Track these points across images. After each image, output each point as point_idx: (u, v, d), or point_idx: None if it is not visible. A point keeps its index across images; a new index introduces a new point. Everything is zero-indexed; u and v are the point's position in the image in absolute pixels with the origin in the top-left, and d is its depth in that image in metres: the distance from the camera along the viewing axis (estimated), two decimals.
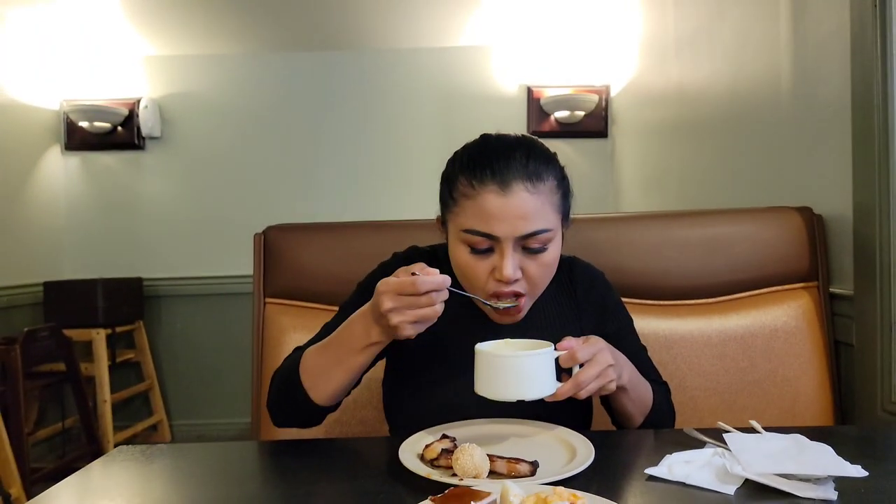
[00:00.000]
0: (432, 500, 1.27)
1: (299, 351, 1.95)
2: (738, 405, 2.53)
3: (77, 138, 5.52)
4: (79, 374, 4.90)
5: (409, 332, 1.61)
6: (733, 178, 3.61)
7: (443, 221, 1.93)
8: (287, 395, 1.83)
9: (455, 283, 1.94)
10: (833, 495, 1.36)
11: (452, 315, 1.96)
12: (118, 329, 5.23)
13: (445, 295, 1.61)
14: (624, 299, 2.18)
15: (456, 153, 1.87)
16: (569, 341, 1.68)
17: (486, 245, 1.75)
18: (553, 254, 1.81)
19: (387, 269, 2.07)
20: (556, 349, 1.67)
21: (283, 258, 2.77)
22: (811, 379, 2.57)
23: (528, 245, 1.75)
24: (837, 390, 2.59)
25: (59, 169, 5.59)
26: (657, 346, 2.58)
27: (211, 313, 5.59)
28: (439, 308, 1.60)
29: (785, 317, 2.63)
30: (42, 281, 5.11)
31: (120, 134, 5.48)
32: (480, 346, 1.70)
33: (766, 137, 3.23)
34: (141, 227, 5.60)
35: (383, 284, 1.62)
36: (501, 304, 1.78)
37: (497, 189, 1.71)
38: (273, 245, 2.78)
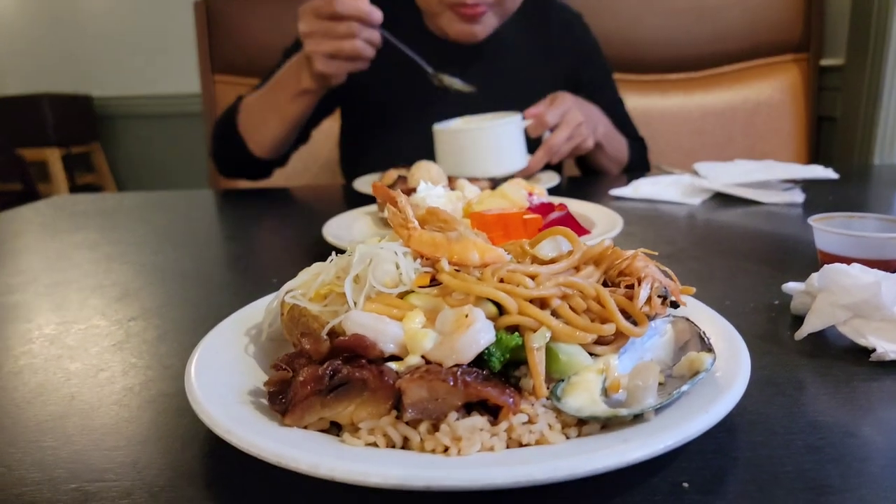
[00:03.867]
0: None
1: (240, 99, 1.76)
2: None
3: None
4: (37, 194, 4.73)
5: (324, 67, 1.41)
6: None
7: None
8: (225, 142, 1.71)
9: (413, 7, 1.76)
10: (800, 198, 1.30)
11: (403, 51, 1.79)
12: (74, 150, 4.98)
13: (373, 35, 1.40)
14: None
15: None
16: (534, 107, 1.53)
17: None
18: None
19: None
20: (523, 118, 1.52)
21: (229, 30, 2.51)
22: (789, 155, 2.49)
23: None
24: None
25: None
26: (635, 122, 2.45)
27: (171, 135, 5.32)
28: (362, 47, 1.38)
29: (770, 90, 2.49)
30: None
31: None
32: (439, 126, 1.54)
33: None
34: (84, 38, 5.14)
35: (304, 6, 1.43)
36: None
37: None
38: (217, 15, 2.51)
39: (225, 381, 0.54)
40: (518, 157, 1.53)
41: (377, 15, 1.39)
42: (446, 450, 0.42)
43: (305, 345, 0.51)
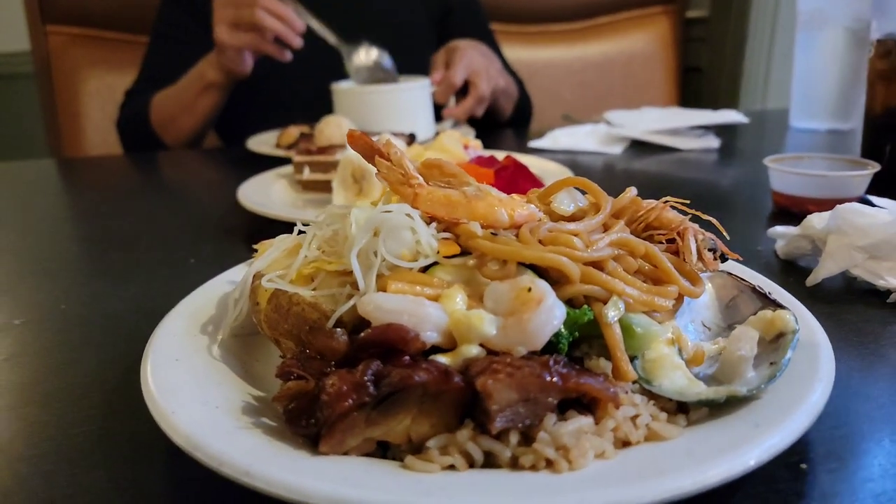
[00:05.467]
0: (298, 154, 1.03)
1: (135, 96, 1.67)
2: None
3: None
4: None
5: (227, 37, 1.36)
6: None
7: None
8: (138, 139, 1.62)
9: None
10: (715, 143, 1.33)
11: None
12: None
13: (274, 6, 1.31)
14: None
15: None
16: (435, 73, 1.46)
17: None
18: None
19: None
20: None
21: None
22: (662, 105, 2.60)
23: None
24: None
25: None
26: (520, 76, 2.43)
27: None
28: (261, 16, 1.29)
29: (643, 42, 2.56)
30: None
31: None
32: (343, 85, 1.42)
33: None
34: None
35: None
36: None
37: None
38: None
39: (202, 399, 0.40)
40: (429, 123, 1.45)
41: None
42: (548, 464, 0.34)
43: (318, 343, 0.39)
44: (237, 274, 0.59)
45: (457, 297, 0.41)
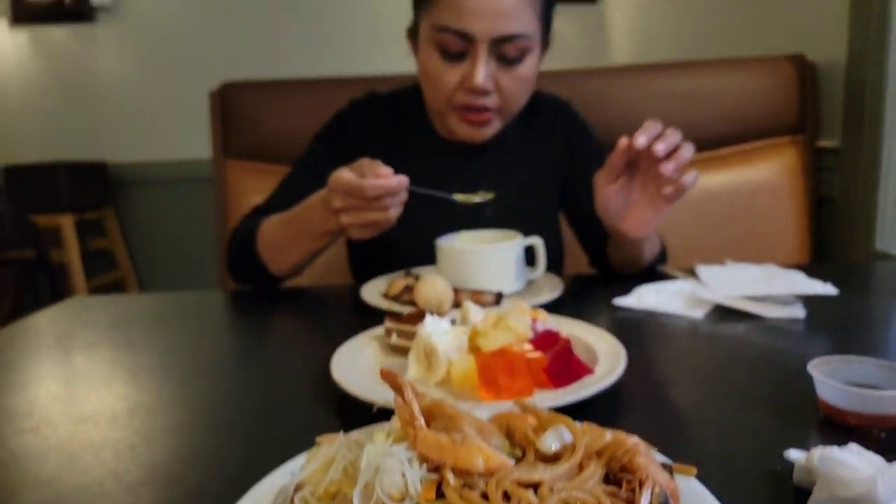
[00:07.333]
0: (389, 320, 1.21)
1: (258, 213, 1.82)
2: (717, 262, 2.49)
3: (23, 10, 5.12)
4: (50, 262, 4.80)
5: (359, 234, 1.48)
6: (727, 30, 3.39)
7: (414, 31, 1.75)
8: (244, 262, 1.73)
9: (421, 109, 1.87)
10: (801, 313, 1.31)
11: (418, 160, 1.84)
12: (87, 215, 5.07)
13: (403, 197, 1.45)
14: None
15: None
16: (621, 141, 1.37)
17: (460, 47, 1.60)
18: (530, 68, 1.67)
19: (344, 118, 1.94)
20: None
21: (242, 116, 2.60)
22: (791, 235, 2.51)
23: (505, 52, 1.60)
24: (817, 246, 2.55)
25: (8, 46, 5.21)
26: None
27: (185, 200, 5.42)
28: (395, 213, 1.44)
29: (769, 172, 2.53)
30: (1, 165, 4.89)
31: (68, 5, 5.08)
32: (442, 242, 1.58)
33: None
34: (100, 106, 5.28)
35: (334, 180, 1.45)
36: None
37: None
38: (232, 103, 2.60)
39: None
40: (518, 278, 1.57)
41: (405, 182, 1.43)
42: None
43: None
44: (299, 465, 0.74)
45: None
